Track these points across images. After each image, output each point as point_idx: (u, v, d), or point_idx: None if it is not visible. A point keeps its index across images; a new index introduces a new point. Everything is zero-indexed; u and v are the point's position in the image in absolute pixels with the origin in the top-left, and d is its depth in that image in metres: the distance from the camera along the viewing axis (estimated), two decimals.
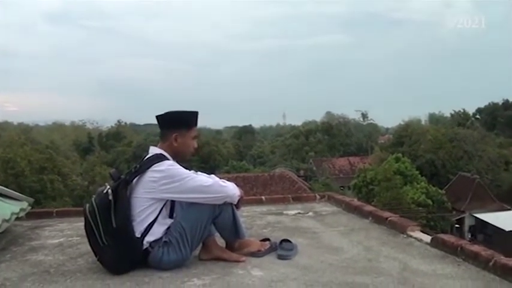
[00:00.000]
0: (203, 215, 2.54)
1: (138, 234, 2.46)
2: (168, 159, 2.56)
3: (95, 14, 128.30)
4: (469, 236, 24.27)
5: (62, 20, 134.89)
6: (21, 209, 3.46)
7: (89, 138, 50.33)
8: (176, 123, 2.65)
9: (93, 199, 2.49)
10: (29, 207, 3.69)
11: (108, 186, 2.48)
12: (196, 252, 2.65)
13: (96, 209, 2.42)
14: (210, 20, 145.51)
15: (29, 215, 3.75)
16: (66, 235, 3.35)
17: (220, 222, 2.62)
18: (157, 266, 2.48)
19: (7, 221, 3.08)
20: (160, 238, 2.49)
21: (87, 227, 2.46)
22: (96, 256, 2.51)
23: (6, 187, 3.75)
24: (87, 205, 2.48)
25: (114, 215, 2.40)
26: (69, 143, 48.38)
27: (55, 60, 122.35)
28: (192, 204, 2.54)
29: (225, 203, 2.58)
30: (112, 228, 2.40)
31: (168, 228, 2.52)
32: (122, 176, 2.52)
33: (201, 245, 2.65)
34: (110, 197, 2.42)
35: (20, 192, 3.79)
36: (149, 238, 2.48)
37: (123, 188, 2.47)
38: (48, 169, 23.95)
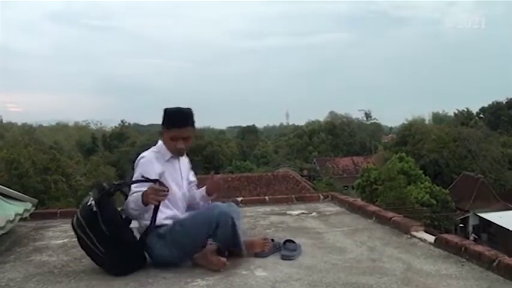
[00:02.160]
0: (200, 231, 2.53)
1: (147, 222, 2.48)
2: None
3: (97, 13, 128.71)
4: (473, 236, 24.14)
5: (64, 19, 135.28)
6: (25, 210, 3.48)
7: (93, 138, 50.26)
8: (162, 119, 2.72)
9: (78, 212, 2.49)
10: (33, 208, 3.71)
11: (92, 198, 2.46)
12: None
13: (82, 221, 2.43)
14: (213, 18, 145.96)
15: (33, 216, 3.77)
16: (70, 236, 3.34)
17: (219, 235, 2.57)
18: (149, 252, 2.53)
19: (11, 221, 3.09)
20: (161, 226, 2.53)
21: (81, 242, 2.47)
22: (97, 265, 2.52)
23: (10, 188, 3.76)
24: (74, 218, 2.49)
25: (103, 224, 2.40)
26: (72, 143, 48.36)
27: (58, 60, 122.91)
28: (193, 218, 2.58)
29: (226, 218, 2.54)
30: (105, 236, 2.40)
31: (169, 220, 2.58)
32: (105, 184, 2.51)
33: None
34: (95, 208, 2.41)
35: (23, 193, 3.80)
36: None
37: (107, 197, 2.46)
38: (51, 169, 23.94)
